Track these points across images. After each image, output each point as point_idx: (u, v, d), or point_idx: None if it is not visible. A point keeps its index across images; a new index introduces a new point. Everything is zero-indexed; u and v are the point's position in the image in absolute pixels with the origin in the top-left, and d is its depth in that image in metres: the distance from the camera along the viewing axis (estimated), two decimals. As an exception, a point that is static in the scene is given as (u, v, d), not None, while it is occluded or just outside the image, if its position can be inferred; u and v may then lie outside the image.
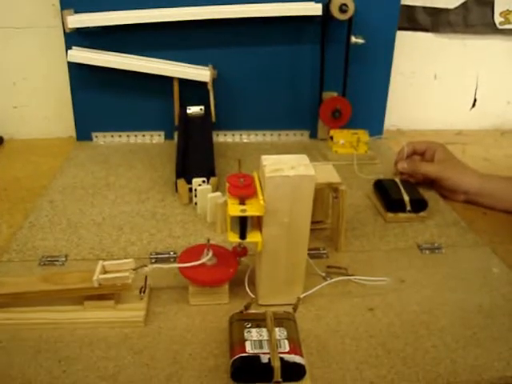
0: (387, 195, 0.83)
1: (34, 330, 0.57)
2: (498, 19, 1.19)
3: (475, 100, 1.29)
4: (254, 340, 0.50)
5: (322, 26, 1.04)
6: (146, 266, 0.59)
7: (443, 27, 1.19)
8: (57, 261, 0.69)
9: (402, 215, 0.81)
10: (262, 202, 0.54)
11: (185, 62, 1.05)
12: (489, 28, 1.20)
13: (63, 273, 0.62)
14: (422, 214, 0.82)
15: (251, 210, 0.55)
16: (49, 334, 0.56)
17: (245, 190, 0.56)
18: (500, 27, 1.20)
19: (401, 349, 0.55)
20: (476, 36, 1.21)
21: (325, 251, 0.72)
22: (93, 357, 0.53)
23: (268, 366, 0.48)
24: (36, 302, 0.58)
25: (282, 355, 0.48)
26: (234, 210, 0.54)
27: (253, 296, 0.60)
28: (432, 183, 0.92)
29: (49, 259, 0.70)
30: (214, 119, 1.05)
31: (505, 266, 0.71)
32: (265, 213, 0.54)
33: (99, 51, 1.03)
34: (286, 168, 0.54)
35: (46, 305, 0.58)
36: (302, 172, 0.54)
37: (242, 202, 0.55)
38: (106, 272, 0.58)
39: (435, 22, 1.19)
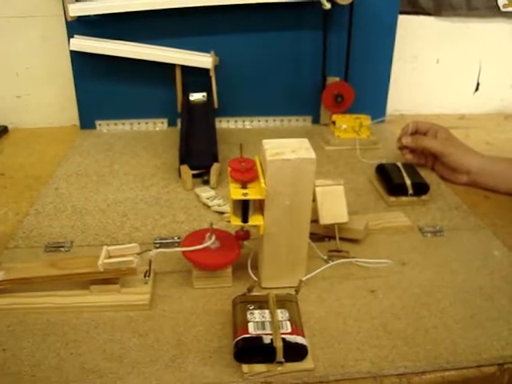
0: (389, 179, 0.84)
1: (42, 314, 0.58)
2: (501, 2, 1.18)
3: (478, 84, 1.29)
4: (257, 321, 0.51)
5: (324, 11, 1.03)
6: (150, 250, 0.60)
7: (446, 10, 1.19)
8: (62, 247, 0.70)
9: (403, 199, 0.82)
10: (263, 185, 0.54)
11: (187, 49, 1.05)
12: (492, 11, 1.19)
13: (69, 258, 0.63)
14: (423, 197, 0.82)
15: (253, 193, 0.55)
16: (56, 317, 0.57)
17: (246, 174, 0.56)
18: (503, 10, 1.19)
19: (402, 329, 0.56)
20: (479, 19, 1.21)
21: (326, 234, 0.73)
22: (99, 339, 0.54)
23: (270, 347, 0.48)
24: (43, 287, 0.59)
25: (284, 336, 0.49)
26: (236, 193, 0.55)
27: (255, 279, 0.61)
28: (433, 162, 0.93)
29: (55, 245, 0.71)
30: (216, 105, 1.05)
31: (506, 248, 0.71)
32: (266, 196, 0.55)
33: (101, 39, 1.03)
34: (287, 151, 0.54)
35: (52, 289, 0.59)
36: (302, 155, 0.54)
37: (244, 186, 0.56)
38: (110, 257, 0.58)
39: (438, 5, 1.18)
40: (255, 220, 0.57)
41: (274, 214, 0.57)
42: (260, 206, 0.58)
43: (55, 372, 0.50)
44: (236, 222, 0.57)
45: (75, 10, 0.98)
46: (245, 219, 0.56)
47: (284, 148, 0.55)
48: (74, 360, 0.52)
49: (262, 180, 0.55)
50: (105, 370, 0.50)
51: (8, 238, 0.73)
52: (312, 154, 0.54)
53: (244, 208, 0.56)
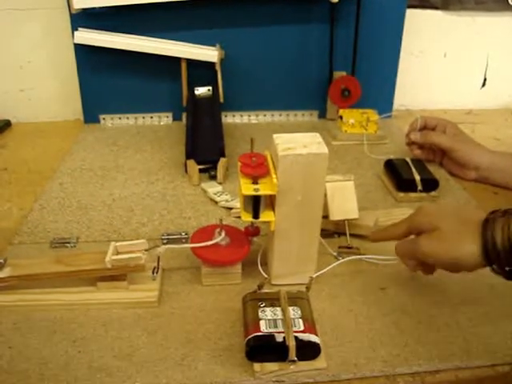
0: (398, 175, 0.83)
1: (48, 312, 0.57)
2: (509, -5, 1.17)
3: (485, 79, 1.27)
4: (269, 319, 0.50)
5: (331, 4, 1.02)
6: (158, 246, 0.59)
7: (453, 4, 1.18)
8: (68, 243, 0.70)
9: (413, 195, 0.81)
10: (274, 180, 0.54)
11: (192, 43, 1.04)
12: (500, 4, 1.18)
13: (76, 254, 0.62)
14: (433, 193, 0.81)
15: (264, 189, 0.54)
16: (63, 315, 0.57)
17: (257, 169, 0.55)
18: (512, 3, 1.18)
19: (414, 327, 0.55)
20: (487, 13, 1.19)
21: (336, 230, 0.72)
22: (107, 337, 0.54)
23: (283, 345, 0.48)
24: (49, 284, 0.58)
25: (296, 334, 0.48)
26: (247, 189, 0.54)
27: (265, 276, 0.60)
28: (442, 157, 0.92)
29: (60, 241, 0.70)
30: (222, 100, 1.04)
31: (517, 245, 0.70)
32: (278, 192, 0.54)
33: (106, 32, 1.02)
34: (299, 146, 0.53)
35: (59, 286, 0.59)
36: (314, 150, 0.53)
37: (255, 182, 0.55)
38: (118, 253, 0.58)
39: (445, -1, 1.17)
40: (266, 216, 0.56)
41: (285, 210, 0.56)
42: (271, 201, 0.57)
43: (63, 370, 0.49)
44: (247, 218, 0.56)
45: (79, 3, 0.97)
46: (256, 215, 0.56)
47: (295, 143, 0.54)
48: (81, 358, 0.51)
49: (273, 175, 0.54)
50: (113, 369, 0.50)
51: (12, 234, 0.72)
52: (324, 149, 0.53)
53: (255, 204, 0.55)
